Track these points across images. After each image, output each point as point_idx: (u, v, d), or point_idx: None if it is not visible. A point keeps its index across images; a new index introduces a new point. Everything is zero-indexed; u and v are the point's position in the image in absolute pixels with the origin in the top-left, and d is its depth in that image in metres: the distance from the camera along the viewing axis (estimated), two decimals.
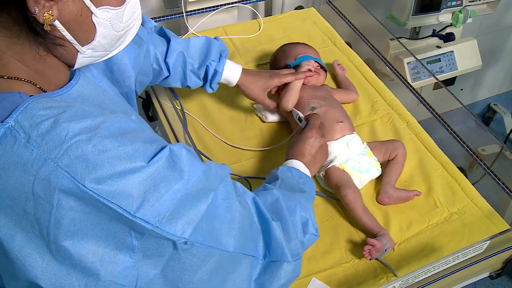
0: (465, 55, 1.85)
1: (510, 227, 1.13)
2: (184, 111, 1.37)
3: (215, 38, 1.24)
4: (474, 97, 2.87)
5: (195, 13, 1.59)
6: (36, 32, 0.64)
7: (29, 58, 0.67)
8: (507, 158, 1.36)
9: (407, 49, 1.64)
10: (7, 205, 0.60)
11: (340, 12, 1.72)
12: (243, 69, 1.25)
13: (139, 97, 1.41)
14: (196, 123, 1.35)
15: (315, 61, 1.35)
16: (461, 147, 1.30)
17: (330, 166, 1.16)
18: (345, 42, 1.64)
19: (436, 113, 1.37)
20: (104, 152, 0.61)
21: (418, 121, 1.37)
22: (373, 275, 1.04)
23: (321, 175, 1.18)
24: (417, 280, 1.01)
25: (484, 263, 1.09)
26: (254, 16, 1.76)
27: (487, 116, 2.82)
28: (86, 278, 0.62)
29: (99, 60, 0.75)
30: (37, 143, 0.60)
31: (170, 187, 0.64)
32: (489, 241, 1.04)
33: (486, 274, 1.16)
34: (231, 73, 1.23)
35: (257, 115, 1.39)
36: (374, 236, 1.07)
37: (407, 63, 1.69)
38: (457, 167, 1.25)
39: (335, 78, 1.50)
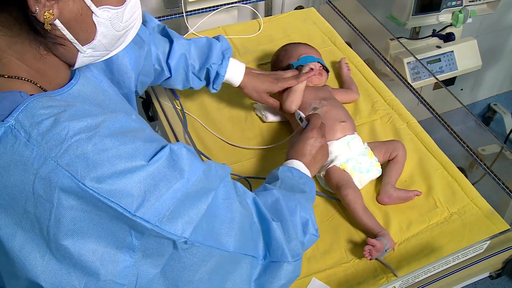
0: (465, 55, 1.85)
1: (510, 227, 1.13)
2: (184, 111, 1.37)
3: (217, 38, 1.24)
4: (474, 97, 2.87)
5: (195, 13, 1.59)
6: (37, 31, 0.64)
7: (30, 57, 0.67)
8: (507, 158, 1.36)
9: (407, 49, 1.64)
10: (8, 204, 0.60)
11: (340, 12, 1.72)
12: (247, 70, 1.24)
13: (139, 97, 1.41)
14: (196, 123, 1.35)
15: (318, 62, 1.35)
16: (461, 147, 1.30)
17: (330, 166, 1.16)
18: (345, 42, 1.64)
19: (436, 113, 1.37)
20: (105, 151, 0.61)
21: (418, 121, 1.37)
22: (373, 275, 1.04)
23: (321, 175, 1.18)
24: (417, 280, 1.01)
25: (484, 263, 1.09)
26: (254, 16, 1.76)
27: (487, 116, 2.82)
28: (86, 277, 0.62)
29: (100, 60, 0.75)
30: (37, 142, 0.60)
31: (170, 186, 0.64)
32: (489, 241, 1.04)
33: (486, 274, 1.16)
34: (234, 74, 1.23)
35: (257, 115, 1.39)
36: (374, 236, 1.07)
37: (407, 63, 1.69)
38: (457, 167, 1.25)
39: (337, 76, 1.50)
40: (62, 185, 0.59)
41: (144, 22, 1.16)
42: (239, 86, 1.25)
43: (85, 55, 0.71)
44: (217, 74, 1.21)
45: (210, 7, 1.60)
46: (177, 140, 1.24)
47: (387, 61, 1.60)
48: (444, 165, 1.25)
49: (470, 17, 1.78)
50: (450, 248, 1.08)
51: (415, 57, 1.64)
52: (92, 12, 0.66)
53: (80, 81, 0.75)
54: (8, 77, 0.66)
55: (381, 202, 1.17)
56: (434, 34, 1.91)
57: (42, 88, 0.69)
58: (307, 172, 1.03)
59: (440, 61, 1.81)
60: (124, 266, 0.63)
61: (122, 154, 0.62)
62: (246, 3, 1.68)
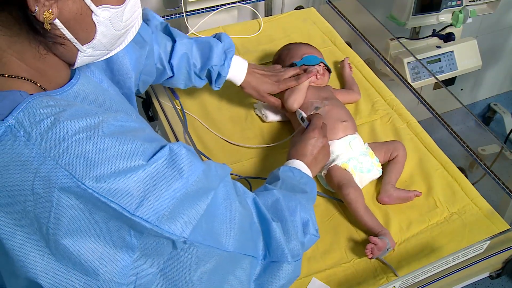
0: (465, 55, 1.85)
1: (510, 227, 1.13)
2: (184, 111, 1.37)
3: (219, 36, 1.23)
4: (474, 97, 2.87)
5: (195, 13, 1.59)
6: (36, 31, 0.64)
7: (29, 56, 0.67)
8: (507, 158, 1.36)
9: (407, 49, 1.64)
10: (7, 203, 0.60)
11: (340, 12, 1.71)
12: (249, 69, 1.25)
13: (139, 97, 1.41)
14: (196, 123, 1.35)
15: (321, 62, 1.35)
16: (461, 147, 1.30)
17: (332, 165, 1.16)
18: (345, 42, 1.64)
19: (436, 113, 1.37)
20: (104, 150, 0.61)
21: (418, 121, 1.37)
22: (373, 275, 1.04)
23: (322, 174, 1.18)
24: (417, 280, 1.01)
25: (484, 263, 1.09)
26: (254, 16, 1.76)
27: (487, 116, 2.82)
28: (85, 276, 0.62)
29: (100, 59, 0.75)
30: (37, 141, 0.60)
31: (169, 186, 0.64)
32: (489, 241, 1.04)
33: (486, 274, 1.16)
34: (236, 74, 1.23)
35: (257, 114, 1.39)
36: (375, 235, 1.06)
37: (407, 63, 1.69)
38: (457, 167, 1.25)
39: (338, 76, 1.50)
40: (61, 185, 0.59)
41: (147, 21, 1.16)
42: (240, 86, 1.26)
43: (85, 54, 0.71)
44: (219, 74, 1.21)
45: (210, 7, 1.60)
46: (177, 140, 1.24)
47: (387, 61, 1.60)
48: (444, 165, 1.25)
49: (470, 17, 1.78)
50: (450, 248, 1.08)
51: (415, 57, 1.64)
52: (92, 12, 0.66)
53: (80, 80, 0.75)
54: (8, 76, 0.66)
55: (381, 202, 1.17)
56: (434, 34, 1.91)
57: (42, 88, 0.69)
58: (308, 172, 1.03)
59: (440, 61, 1.81)
60: (123, 265, 0.63)
61: (122, 153, 0.62)
62: (246, 3, 1.68)
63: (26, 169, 0.60)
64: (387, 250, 1.05)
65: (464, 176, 1.23)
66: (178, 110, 1.36)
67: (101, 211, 0.61)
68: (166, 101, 1.36)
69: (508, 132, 2.44)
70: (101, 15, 0.67)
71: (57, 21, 0.64)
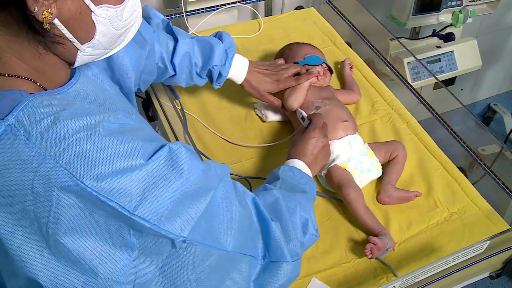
0: (465, 55, 1.85)
1: (510, 227, 1.13)
2: (184, 111, 1.37)
3: (220, 35, 1.23)
4: (474, 97, 2.87)
5: (195, 13, 1.59)
6: (36, 31, 0.64)
7: (29, 56, 0.67)
8: (507, 158, 1.36)
9: (407, 49, 1.64)
10: (7, 202, 0.60)
11: (340, 12, 1.71)
12: (250, 67, 1.25)
13: (139, 96, 1.41)
14: (196, 123, 1.35)
15: (324, 63, 1.36)
16: (461, 147, 1.30)
17: (332, 165, 1.16)
18: (345, 42, 1.64)
19: (436, 113, 1.37)
20: (104, 150, 0.61)
21: (418, 121, 1.37)
22: (373, 275, 1.04)
23: (322, 174, 1.18)
24: (417, 280, 1.01)
25: (484, 263, 1.09)
26: (254, 16, 1.76)
27: (487, 116, 2.82)
28: (85, 275, 0.62)
29: (99, 58, 0.75)
30: (37, 141, 0.60)
31: (169, 185, 0.64)
32: (489, 241, 1.04)
33: (486, 274, 1.16)
34: (237, 73, 1.24)
35: (257, 114, 1.39)
36: (375, 235, 1.06)
37: (407, 63, 1.69)
38: (457, 167, 1.25)
39: (338, 76, 1.50)
40: (61, 184, 0.59)
41: (148, 19, 1.16)
42: (240, 84, 1.26)
43: (85, 53, 0.71)
44: (220, 74, 1.22)
45: (210, 7, 1.60)
46: (177, 140, 1.24)
47: (387, 61, 1.60)
48: (444, 165, 1.25)
49: (470, 17, 1.78)
50: (450, 248, 1.07)
51: (415, 57, 1.64)
52: (91, 11, 0.66)
53: (80, 80, 0.75)
54: (8, 75, 0.66)
55: (381, 202, 1.17)
56: (434, 34, 1.91)
57: (42, 87, 0.69)
58: (308, 172, 1.03)
59: (440, 61, 1.81)
60: (123, 264, 0.63)
61: (121, 153, 0.62)
62: (246, 3, 1.68)
63: (26, 168, 0.60)
64: (387, 250, 1.05)
65: (464, 176, 1.23)
66: (178, 110, 1.36)
67: (100, 210, 0.61)
68: (166, 101, 1.36)
69: (508, 132, 2.44)
70: (101, 14, 0.67)
71: (56, 21, 0.64)
